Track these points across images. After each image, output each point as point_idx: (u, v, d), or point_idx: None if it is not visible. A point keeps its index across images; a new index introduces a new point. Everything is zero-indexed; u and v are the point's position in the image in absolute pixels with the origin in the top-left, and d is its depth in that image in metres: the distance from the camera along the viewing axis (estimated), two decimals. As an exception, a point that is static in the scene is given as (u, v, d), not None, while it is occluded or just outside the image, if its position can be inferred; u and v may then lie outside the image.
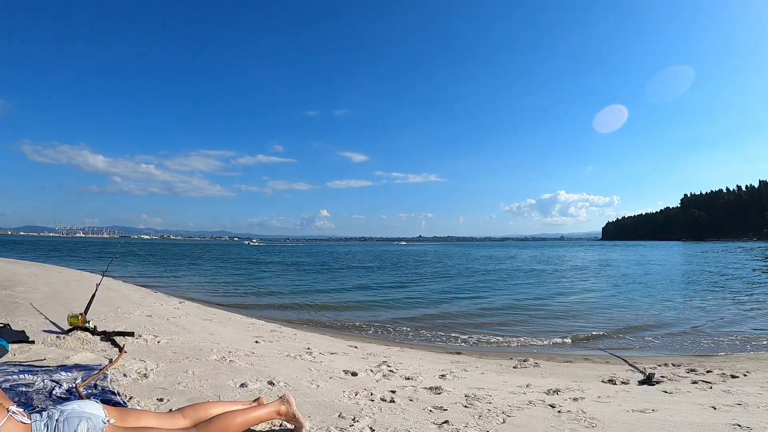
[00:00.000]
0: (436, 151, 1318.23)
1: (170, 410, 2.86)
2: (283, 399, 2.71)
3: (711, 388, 4.48)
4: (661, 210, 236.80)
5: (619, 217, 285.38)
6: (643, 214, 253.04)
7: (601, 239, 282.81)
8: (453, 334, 8.67)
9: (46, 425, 2.07)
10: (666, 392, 4.26)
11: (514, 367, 5.66)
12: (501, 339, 8.30)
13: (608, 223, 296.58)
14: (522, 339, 8.30)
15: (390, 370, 4.62)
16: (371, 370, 4.57)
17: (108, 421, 2.18)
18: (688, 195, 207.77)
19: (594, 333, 8.71)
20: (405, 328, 9.26)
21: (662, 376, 4.99)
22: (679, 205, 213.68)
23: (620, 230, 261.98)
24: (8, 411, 2.00)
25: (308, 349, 5.77)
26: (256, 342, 5.99)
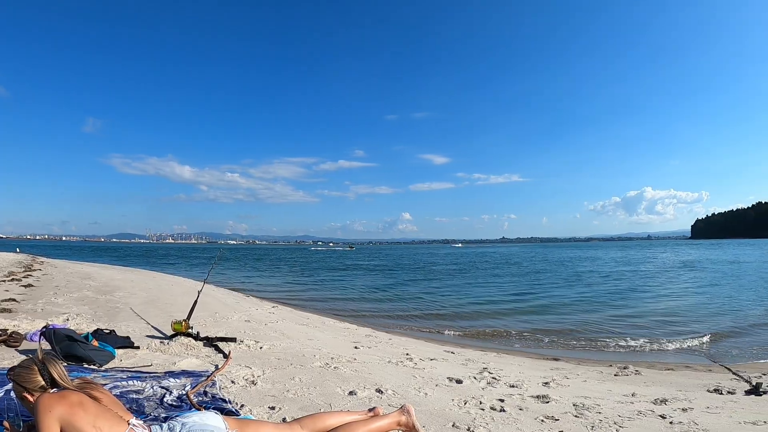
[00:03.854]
0: (517, 150, 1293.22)
1: (284, 419, 2.82)
2: (403, 409, 2.61)
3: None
4: (753, 205, 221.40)
5: (709, 214, 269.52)
6: (734, 210, 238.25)
7: (690, 238, 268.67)
8: (546, 339, 8.43)
9: None
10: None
11: (615, 375, 5.45)
12: (596, 344, 8.04)
13: (697, 221, 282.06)
14: (618, 345, 7.96)
15: (493, 377, 4.54)
16: (474, 377, 4.50)
17: None
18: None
19: (692, 339, 8.20)
20: (497, 333, 8.97)
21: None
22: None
23: (711, 228, 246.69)
24: (129, 423, 2.00)
25: (407, 354, 5.72)
26: (356, 348, 6.01)
